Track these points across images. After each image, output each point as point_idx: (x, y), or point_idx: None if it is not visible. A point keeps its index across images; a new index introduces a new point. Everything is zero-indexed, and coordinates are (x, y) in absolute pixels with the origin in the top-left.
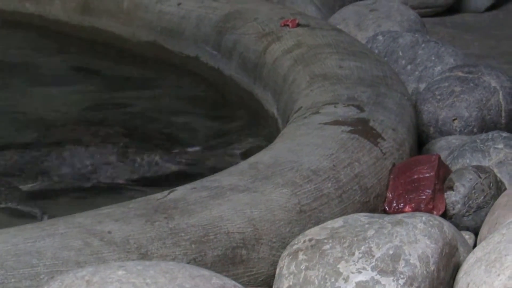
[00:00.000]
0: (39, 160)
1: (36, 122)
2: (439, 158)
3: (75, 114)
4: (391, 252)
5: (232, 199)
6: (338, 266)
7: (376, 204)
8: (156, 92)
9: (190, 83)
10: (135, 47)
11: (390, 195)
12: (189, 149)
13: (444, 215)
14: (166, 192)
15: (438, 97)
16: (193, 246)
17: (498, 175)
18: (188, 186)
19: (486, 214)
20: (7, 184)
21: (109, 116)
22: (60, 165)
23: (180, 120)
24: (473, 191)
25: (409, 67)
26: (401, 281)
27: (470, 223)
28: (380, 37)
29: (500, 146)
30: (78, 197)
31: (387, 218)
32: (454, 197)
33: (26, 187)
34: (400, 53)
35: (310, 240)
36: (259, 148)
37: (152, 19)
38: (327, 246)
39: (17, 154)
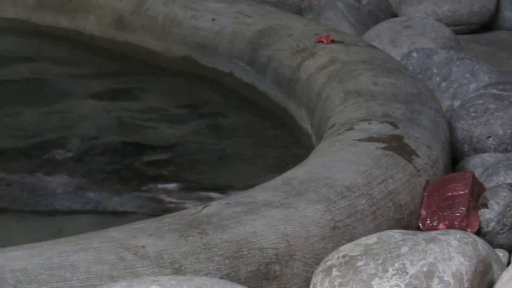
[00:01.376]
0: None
1: (66, 138)
2: (473, 175)
3: (107, 130)
4: (425, 269)
5: (266, 215)
6: (371, 283)
7: (410, 221)
8: (190, 108)
9: (224, 98)
10: (169, 62)
11: (424, 212)
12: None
13: (478, 232)
14: (200, 207)
15: (473, 114)
16: (226, 261)
17: None
18: (222, 201)
19: None
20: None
21: (140, 132)
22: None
23: (215, 137)
24: (507, 209)
25: (443, 84)
26: None
27: (504, 241)
28: (415, 54)
29: None
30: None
31: (421, 235)
32: (488, 215)
33: None
34: (435, 70)
35: (344, 256)
36: (293, 164)
37: (187, 34)
38: (361, 263)
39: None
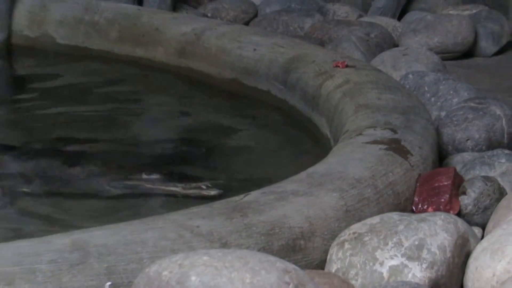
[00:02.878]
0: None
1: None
2: (455, 170)
3: (172, 134)
4: (416, 242)
5: (293, 201)
6: (375, 253)
7: (406, 206)
8: (238, 120)
9: (264, 112)
10: (220, 83)
11: (417, 199)
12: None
13: (459, 214)
14: (242, 196)
15: (455, 122)
16: (262, 237)
17: (501, 183)
18: (259, 191)
19: (491, 213)
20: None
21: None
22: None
23: (257, 140)
24: (481, 196)
25: (432, 99)
26: (424, 265)
27: (479, 220)
28: (410, 76)
29: (503, 160)
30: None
31: (414, 216)
32: (467, 200)
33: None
34: (426, 88)
35: (353, 233)
36: (315, 162)
37: (234, 61)
38: (367, 238)
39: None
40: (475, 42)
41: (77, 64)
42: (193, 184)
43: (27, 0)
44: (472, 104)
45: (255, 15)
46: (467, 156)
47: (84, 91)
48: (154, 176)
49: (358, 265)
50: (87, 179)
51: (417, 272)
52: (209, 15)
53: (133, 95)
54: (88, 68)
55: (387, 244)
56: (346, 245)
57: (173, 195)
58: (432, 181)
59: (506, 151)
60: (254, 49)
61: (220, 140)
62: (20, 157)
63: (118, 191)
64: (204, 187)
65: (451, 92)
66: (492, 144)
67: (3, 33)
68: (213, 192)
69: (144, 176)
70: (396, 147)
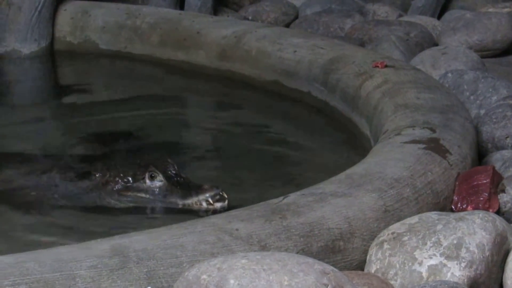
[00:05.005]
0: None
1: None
2: (494, 168)
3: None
4: (455, 241)
5: (332, 203)
6: (414, 253)
7: (445, 205)
8: (279, 121)
9: (304, 113)
10: (261, 85)
11: (456, 198)
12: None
13: (498, 212)
14: (281, 198)
15: (494, 120)
16: (301, 239)
17: None
18: (298, 192)
19: None
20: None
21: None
22: None
23: (295, 139)
24: None
25: (472, 97)
26: (463, 264)
27: None
28: (450, 74)
29: None
30: None
31: (452, 215)
32: (506, 198)
33: None
34: (465, 87)
35: (392, 233)
36: (355, 162)
37: (274, 63)
38: (406, 238)
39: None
40: None
41: (120, 69)
42: (194, 199)
43: (69, 6)
44: (511, 102)
45: (296, 17)
46: (506, 153)
47: (125, 94)
48: (158, 183)
49: (397, 265)
50: (93, 192)
51: (456, 271)
52: (250, 17)
53: (174, 99)
54: (130, 72)
55: (426, 243)
56: (385, 245)
57: (174, 208)
58: (471, 179)
59: None
60: (295, 51)
61: (261, 141)
62: (36, 169)
63: (123, 205)
64: (204, 203)
65: (490, 90)
66: None
67: (46, 39)
68: (216, 205)
69: (148, 182)
70: (435, 146)
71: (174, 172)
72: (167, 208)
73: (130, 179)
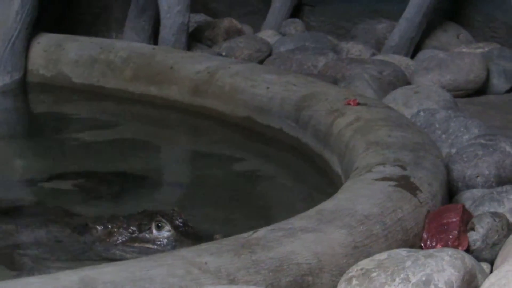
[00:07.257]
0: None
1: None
2: (463, 206)
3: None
4: (424, 278)
5: (302, 238)
6: None
7: (415, 242)
8: (250, 157)
9: (276, 149)
10: (234, 121)
11: (425, 235)
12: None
13: (468, 250)
14: (251, 232)
15: (465, 159)
16: (270, 274)
17: (510, 219)
18: (268, 227)
19: (499, 249)
20: None
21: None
22: None
23: (266, 174)
24: (489, 232)
25: (443, 136)
26: None
27: (488, 256)
28: (422, 113)
29: None
30: None
31: (422, 252)
32: (475, 236)
33: None
34: (437, 125)
35: (361, 269)
36: (325, 199)
37: (247, 99)
38: (374, 274)
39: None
40: (487, 79)
41: (92, 103)
42: None
43: (43, 39)
44: (482, 141)
45: (270, 54)
46: (476, 192)
47: (98, 129)
48: (165, 234)
49: None
50: (97, 246)
51: None
52: (223, 54)
53: (146, 134)
54: (102, 107)
55: (395, 280)
56: (354, 281)
57: None
58: (441, 217)
59: None
60: (267, 88)
61: (232, 178)
62: (33, 223)
63: (129, 256)
64: None
65: (462, 129)
66: (502, 181)
67: (19, 71)
68: None
69: (155, 232)
70: (405, 183)
71: (181, 221)
72: None
73: (135, 229)
